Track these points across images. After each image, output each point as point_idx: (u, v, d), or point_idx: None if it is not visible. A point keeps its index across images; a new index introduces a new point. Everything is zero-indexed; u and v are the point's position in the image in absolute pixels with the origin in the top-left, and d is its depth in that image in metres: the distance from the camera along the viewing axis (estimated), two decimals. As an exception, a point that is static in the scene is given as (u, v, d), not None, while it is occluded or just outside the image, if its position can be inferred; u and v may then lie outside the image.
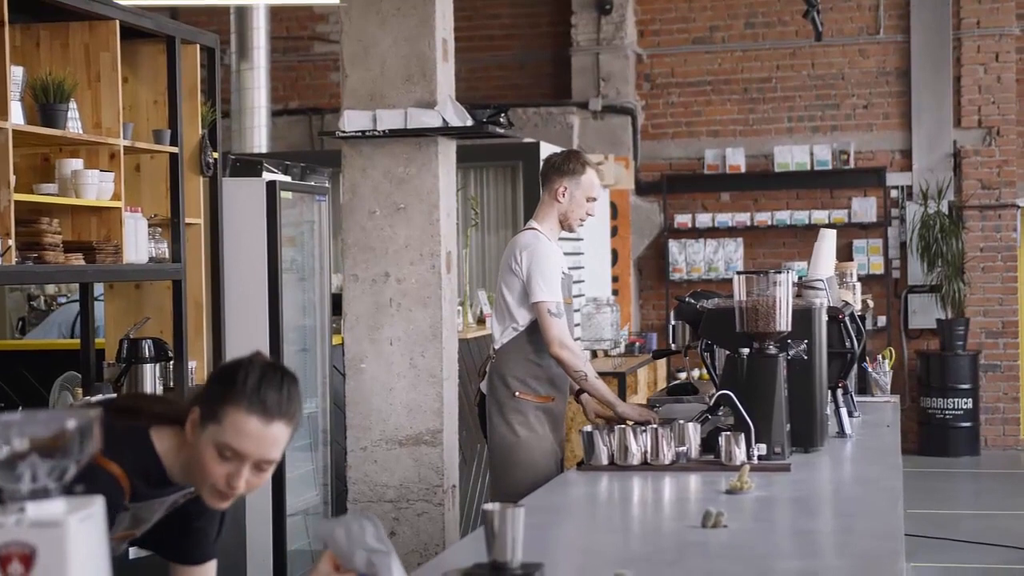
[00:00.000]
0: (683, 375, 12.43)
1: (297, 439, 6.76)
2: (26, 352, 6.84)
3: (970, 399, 12.42)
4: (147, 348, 5.47)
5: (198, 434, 2.63)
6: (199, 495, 2.73)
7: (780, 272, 4.49)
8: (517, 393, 5.27)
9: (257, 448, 2.59)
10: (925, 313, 12.75)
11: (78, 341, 5.85)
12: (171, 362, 5.63)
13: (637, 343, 11.09)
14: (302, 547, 6.80)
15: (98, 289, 6.16)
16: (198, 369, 5.92)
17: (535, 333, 5.24)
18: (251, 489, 2.67)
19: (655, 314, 13.22)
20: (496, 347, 5.38)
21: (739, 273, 4.53)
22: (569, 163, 5.38)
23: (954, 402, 12.39)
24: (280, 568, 6.40)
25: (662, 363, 11.27)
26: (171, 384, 5.66)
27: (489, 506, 2.77)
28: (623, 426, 4.39)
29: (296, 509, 6.70)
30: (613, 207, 12.53)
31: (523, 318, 5.26)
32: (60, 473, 1.77)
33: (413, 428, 5.94)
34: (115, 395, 5.09)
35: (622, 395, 8.81)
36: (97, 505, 1.80)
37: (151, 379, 5.46)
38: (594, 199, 5.40)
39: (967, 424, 12.43)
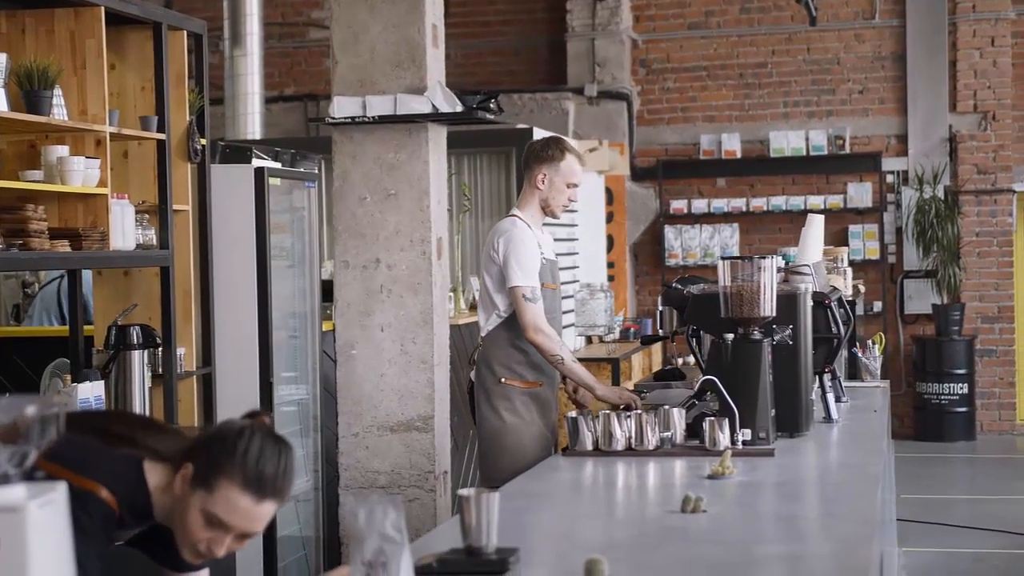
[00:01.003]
0: (679, 361, 12.44)
1: (288, 425, 6.77)
2: (18, 339, 6.84)
3: (966, 384, 12.42)
4: (135, 335, 5.46)
5: (187, 492, 2.64)
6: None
7: (764, 258, 4.49)
8: (503, 379, 5.29)
9: (245, 523, 2.62)
10: (921, 298, 12.75)
11: (66, 328, 5.85)
12: (159, 348, 5.63)
13: (632, 329, 11.09)
14: (293, 533, 6.81)
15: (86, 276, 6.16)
16: (187, 356, 5.92)
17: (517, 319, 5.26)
18: (228, 552, 2.69)
19: (651, 300, 13.22)
20: (482, 335, 5.40)
21: (723, 258, 4.53)
22: (548, 150, 5.38)
23: (950, 387, 12.40)
24: (270, 554, 6.40)
25: (657, 349, 11.27)
26: (159, 371, 5.66)
27: (464, 491, 2.78)
28: (607, 411, 4.40)
29: (286, 495, 6.70)
30: (609, 193, 12.53)
31: (504, 305, 5.27)
32: (20, 459, 1.78)
33: (404, 414, 5.94)
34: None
35: (615, 381, 8.81)
36: (59, 491, 1.80)
37: (139, 366, 5.46)
38: (575, 185, 5.39)
39: (963, 409, 12.44)
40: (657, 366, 10.98)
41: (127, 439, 2.74)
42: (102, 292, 5.84)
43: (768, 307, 4.46)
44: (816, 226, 5.62)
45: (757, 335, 4.48)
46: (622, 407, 5.03)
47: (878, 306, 12.73)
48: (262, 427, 2.68)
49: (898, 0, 12.85)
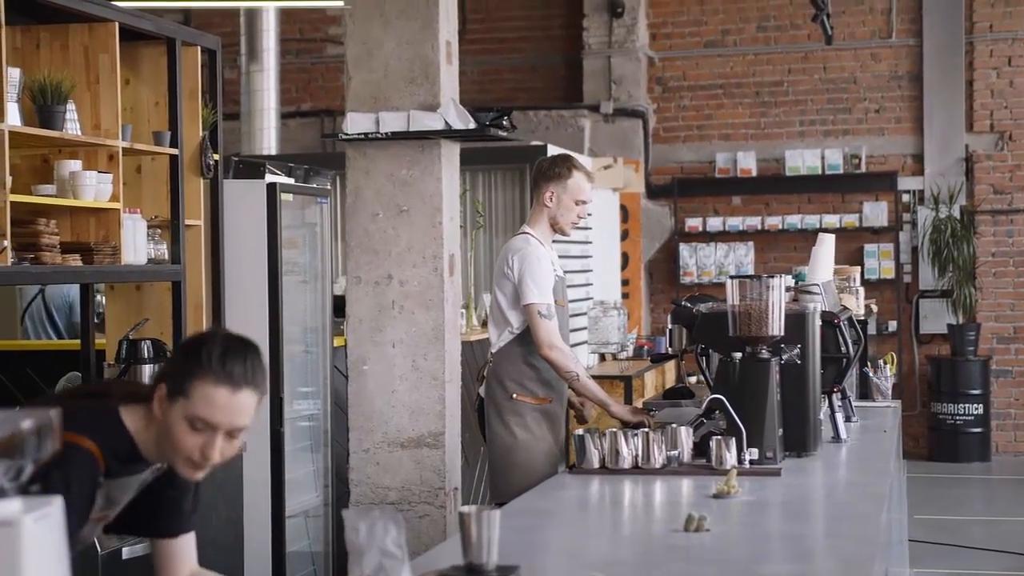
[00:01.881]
0: (693, 379, 12.42)
1: (298, 440, 6.78)
2: (31, 352, 6.87)
3: (981, 404, 12.38)
4: (146, 349, 5.48)
5: (167, 409, 2.72)
6: (170, 469, 2.80)
7: (773, 277, 4.49)
8: (514, 395, 5.31)
9: (227, 417, 2.69)
10: (936, 318, 12.71)
11: (78, 342, 5.87)
12: (170, 363, 5.65)
13: (646, 347, 11.08)
14: (302, 549, 6.82)
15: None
16: (197, 370, 5.93)
17: (530, 336, 5.26)
18: (224, 458, 2.75)
19: (665, 318, 13.17)
20: (493, 351, 5.42)
21: (732, 277, 4.53)
22: (555, 167, 5.42)
23: (965, 407, 12.35)
24: (279, 571, 6.41)
25: (671, 366, 11.25)
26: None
27: (465, 508, 2.79)
28: (615, 429, 4.40)
29: (296, 511, 6.72)
30: (624, 210, 12.53)
31: (517, 321, 5.29)
32: (16, 473, 1.79)
33: (415, 430, 5.95)
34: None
35: (628, 399, 8.80)
36: (54, 505, 1.81)
37: (150, 380, 5.48)
38: (583, 202, 5.43)
39: (978, 430, 12.39)
40: (671, 384, 10.96)
41: (102, 394, 2.85)
42: (114, 306, 5.87)
43: (776, 326, 4.45)
44: (827, 245, 5.62)
45: (765, 354, 4.47)
46: (632, 425, 5.04)
47: (893, 326, 12.70)
48: (222, 332, 2.79)
49: (915, 19, 12.85)
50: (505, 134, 6.26)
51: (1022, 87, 12.68)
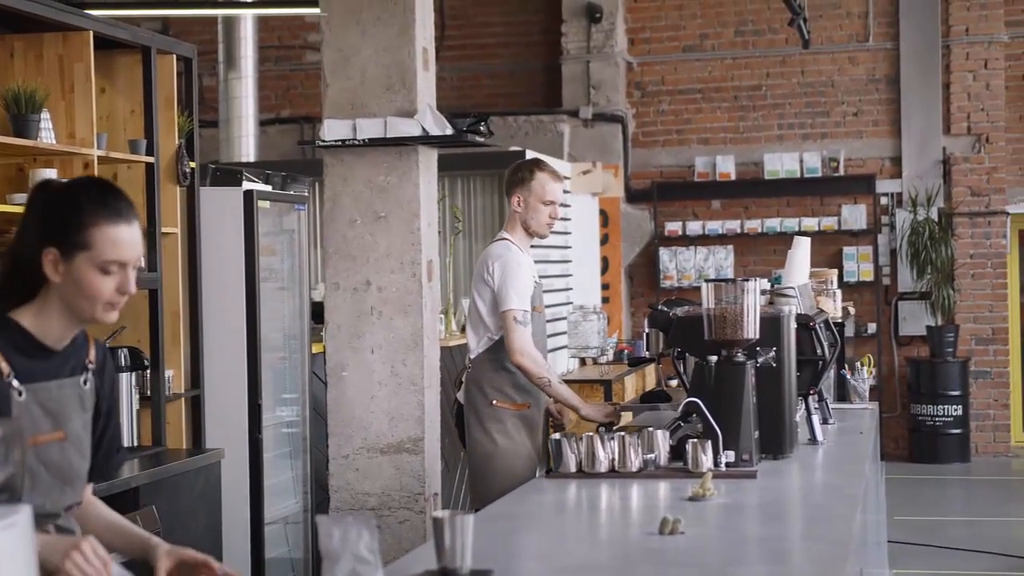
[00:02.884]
0: (674, 383, 12.43)
1: (277, 447, 6.78)
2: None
3: (960, 406, 12.42)
4: (123, 357, 5.48)
5: (66, 269, 2.71)
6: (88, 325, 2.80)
7: (748, 280, 4.51)
8: (494, 402, 5.34)
9: (133, 251, 2.74)
10: (915, 320, 12.76)
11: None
12: (147, 371, 5.65)
13: (627, 351, 11.09)
14: (282, 555, 6.81)
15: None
16: (175, 378, 5.94)
17: None
18: (130, 294, 2.76)
19: (646, 322, 13.21)
20: (472, 356, 5.46)
21: (707, 281, 4.55)
22: (519, 172, 5.51)
23: (944, 409, 12.40)
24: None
25: (651, 370, 11.27)
26: (148, 393, 5.67)
27: (438, 513, 2.80)
28: (591, 433, 4.41)
29: (275, 517, 6.71)
30: (604, 215, 12.56)
31: (496, 327, 5.31)
32: (-17, 482, 1.79)
33: (395, 436, 5.95)
34: None
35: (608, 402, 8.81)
36: (23, 514, 1.81)
37: (127, 388, 5.47)
38: (551, 202, 5.46)
39: (957, 431, 12.44)
40: (651, 388, 10.97)
41: None
42: (91, 314, 5.86)
43: (751, 329, 4.47)
44: (802, 248, 5.64)
45: (740, 357, 4.48)
46: (605, 425, 5.08)
47: (872, 328, 12.74)
48: (81, 179, 2.82)
49: (892, 23, 12.90)
50: (482, 140, 6.28)
51: (998, 90, 12.74)
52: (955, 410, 12.40)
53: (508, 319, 5.24)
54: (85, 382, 2.85)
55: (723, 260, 13.03)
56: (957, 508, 10.90)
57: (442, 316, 7.92)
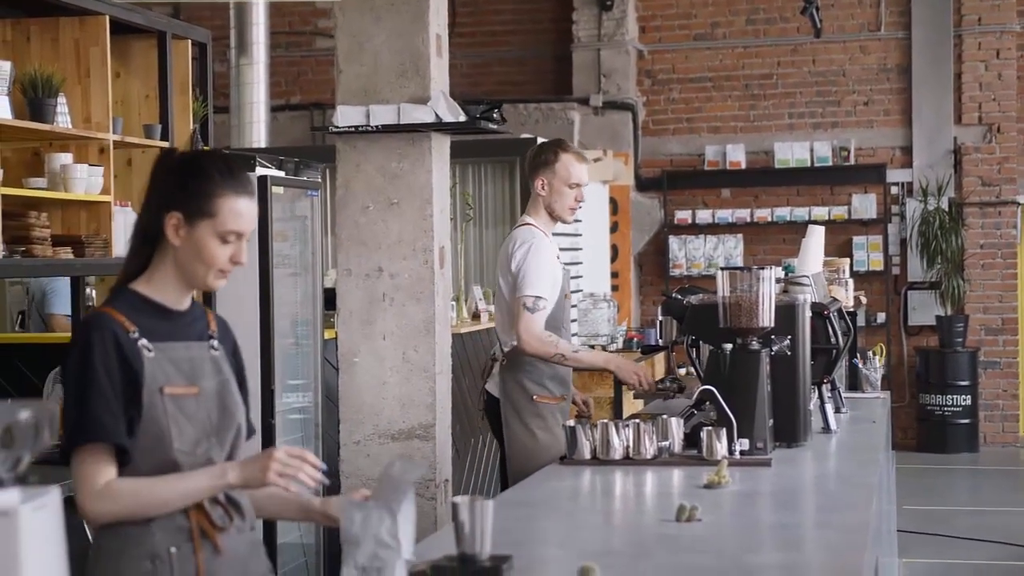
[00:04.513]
0: (683, 371, 12.44)
1: (289, 433, 6.79)
2: (21, 345, 6.86)
3: (969, 396, 12.42)
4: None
5: (186, 234, 2.83)
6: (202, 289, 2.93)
7: (763, 268, 4.50)
8: (535, 396, 5.24)
9: (251, 224, 2.87)
10: (925, 310, 12.75)
11: (69, 335, 5.87)
12: (162, 356, 5.65)
13: (636, 339, 11.09)
14: (293, 540, 6.83)
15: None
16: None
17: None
18: (242, 264, 2.90)
19: (655, 310, 13.22)
20: (505, 349, 5.32)
21: (722, 269, 4.54)
22: (542, 154, 5.36)
23: (953, 399, 12.40)
24: (271, 561, 6.41)
25: (660, 358, 11.28)
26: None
27: (458, 499, 2.80)
28: (606, 420, 4.41)
29: (288, 503, 6.71)
30: (613, 203, 12.55)
31: None
32: (13, 463, 1.80)
33: (406, 422, 5.95)
34: None
35: (617, 390, 8.80)
36: (52, 496, 1.82)
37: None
38: (577, 185, 5.34)
39: (966, 421, 12.44)
40: (660, 375, 10.97)
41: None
42: (103, 299, 5.87)
43: (766, 317, 4.47)
44: (816, 237, 5.63)
45: (755, 345, 4.48)
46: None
47: (882, 317, 12.73)
48: (208, 150, 3.04)
49: (903, 12, 12.88)
50: (495, 127, 6.27)
51: (1010, 80, 12.72)
52: (964, 400, 12.39)
53: (517, 305, 5.18)
54: (214, 348, 2.97)
55: (732, 249, 13.03)
56: (965, 498, 10.90)
57: (453, 303, 7.92)
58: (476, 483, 7.75)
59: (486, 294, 8.63)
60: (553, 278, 5.24)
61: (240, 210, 2.84)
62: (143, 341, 2.81)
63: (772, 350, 4.53)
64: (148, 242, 2.87)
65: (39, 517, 1.78)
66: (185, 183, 2.85)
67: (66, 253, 5.00)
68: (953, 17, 12.74)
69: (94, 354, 2.76)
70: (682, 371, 11.21)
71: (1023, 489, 11.25)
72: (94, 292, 6.11)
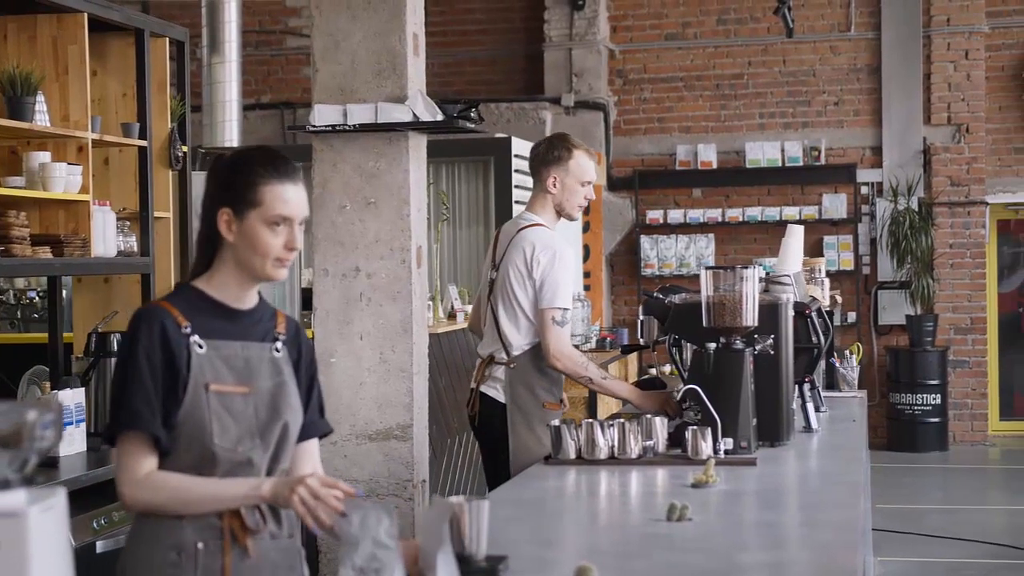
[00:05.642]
0: (653, 370, 12.47)
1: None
2: (-6, 346, 6.82)
3: (939, 395, 12.49)
4: (115, 342, 5.44)
5: (239, 228, 2.90)
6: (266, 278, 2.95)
7: (747, 267, 4.51)
8: (546, 404, 5.10)
9: (299, 208, 2.92)
10: (894, 309, 12.82)
11: (46, 335, 5.82)
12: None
13: (608, 339, 11.10)
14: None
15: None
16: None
17: None
18: (299, 247, 2.95)
19: (627, 310, 13.26)
20: (514, 352, 5.12)
21: (707, 268, 4.54)
22: (554, 150, 5.16)
23: (923, 398, 12.47)
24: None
25: (633, 358, 11.30)
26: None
27: (454, 499, 2.79)
28: (590, 420, 4.40)
29: (265, 503, 6.68)
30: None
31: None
32: (21, 464, 1.78)
33: (383, 423, 5.94)
34: None
35: (590, 392, 8.79)
36: (59, 497, 1.80)
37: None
38: (588, 182, 5.18)
39: (935, 419, 12.51)
40: (633, 375, 11.00)
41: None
42: (81, 299, 5.83)
43: (750, 317, 4.47)
44: (796, 236, 5.65)
45: (739, 345, 4.49)
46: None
47: (852, 317, 12.79)
48: (248, 148, 3.02)
49: (873, 13, 12.94)
50: (473, 126, 6.27)
51: (979, 80, 12.80)
52: (934, 399, 12.46)
53: (546, 318, 4.98)
54: (276, 350, 2.99)
55: (704, 249, 13.06)
56: (936, 496, 10.96)
57: (429, 303, 7.90)
58: (452, 483, 7.73)
59: (461, 293, 8.61)
60: (571, 289, 5.13)
61: (285, 195, 2.90)
62: (195, 337, 2.87)
63: (756, 349, 4.54)
64: (209, 244, 2.94)
65: (47, 519, 1.77)
66: (230, 179, 2.94)
67: (45, 253, 4.95)
68: (922, 17, 12.81)
69: (139, 345, 2.83)
70: (652, 370, 11.25)
71: (993, 487, 11.33)
72: (64, 292, 6.06)
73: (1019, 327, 13.35)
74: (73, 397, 4.99)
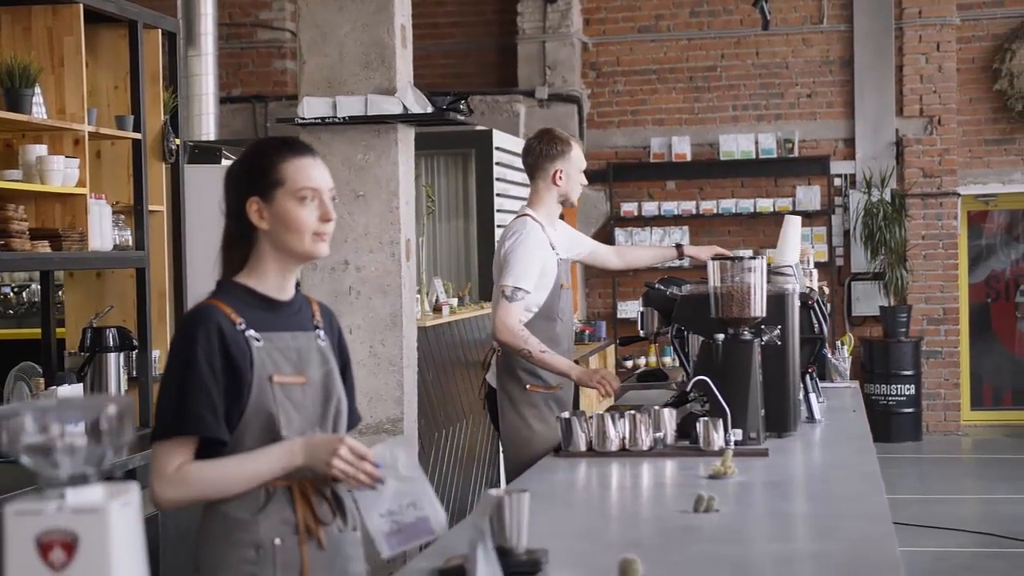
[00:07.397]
0: (629, 363, 12.48)
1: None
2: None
3: (912, 385, 12.56)
4: (111, 337, 5.39)
5: (270, 212, 2.89)
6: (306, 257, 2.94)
7: (755, 258, 4.51)
8: (528, 386, 5.22)
9: (323, 178, 2.92)
10: (868, 300, 12.88)
11: (38, 331, 5.75)
12: (135, 351, 5.56)
13: (587, 331, 11.11)
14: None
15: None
16: (162, 358, 5.85)
17: (540, 322, 5.18)
18: (334, 218, 2.92)
19: (601, 303, 13.27)
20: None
21: (714, 259, 4.53)
22: (556, 146, 5.34)
23: (897, 388, 12.53)
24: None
25: (611, 351, 11.31)
26: (135, 374, 5.58)
27: (495, 491, 2.77)
28: (601, 412, 4.39)
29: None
30: (560, 195, 12.53)
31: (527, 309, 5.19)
32: (99, 459, 1.75)
33: (373, 416, 5.92)
34: None
35: (575, 387, 8.80)
36: (134, 492, 1.77)
37: (115, 368, 5.38)
38: (583, 169, 5.46)
39: (910, 410, 12.58)
40: (612, 367, 11.01)
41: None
42: (73, 294, 5.76)
43: (758, 307, 4.47)
44: (794, 227, 5.65)
45: (747, 335, 4.49)
46: (607, 395, 5.05)
47: (827, 308, 12.83)
48: (259, 140, 3.02)
49: (846, 5, 12.98)
50: (463, 118, 6.25)
51: (950, 72, 12.86)
52: (908, 389, 12.53)
53: (496, 292, 5.15)
54: (320, 338, 2.97)
55: (679, 240, 13.06)
56: (911, 486, 11.01)
57: (416, 297, 7.87)
58: (441, 476, 7.70)
59: (446, 286, 8.59)
60: (543, 269, 5.20)
61: (305, 167, 2.89)
62: (250, 332, 2.85)
63: (763, 340, 4.54)
64: (243, 241, 2.92)
65: (126, 513, 1.74)
66: (250, 169, 2.93)
67: (43, 247, 4.89)
68: (894, 10, 12.87)
69: (198, 347, 2.79)
70: (628, 363, 11.24)
71: (967, 477, 11.40)
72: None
73: (988, 318, 13.44)
74: (72, 392, 4.94)
